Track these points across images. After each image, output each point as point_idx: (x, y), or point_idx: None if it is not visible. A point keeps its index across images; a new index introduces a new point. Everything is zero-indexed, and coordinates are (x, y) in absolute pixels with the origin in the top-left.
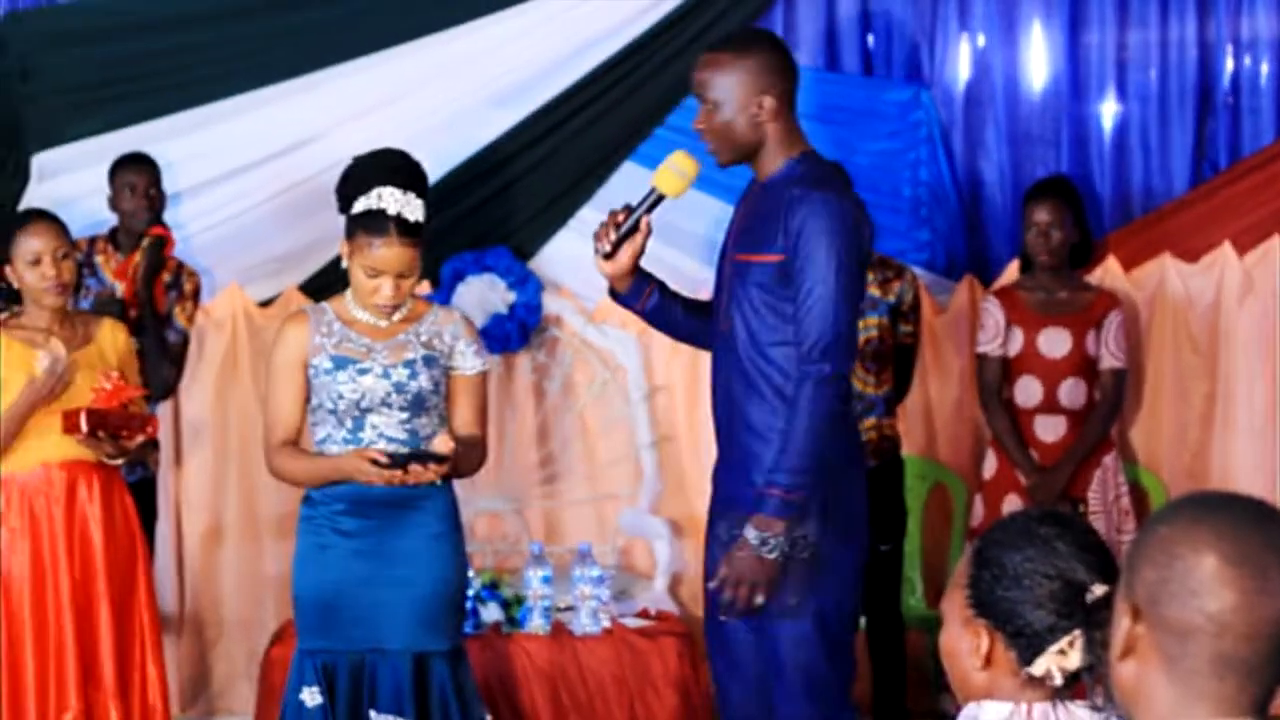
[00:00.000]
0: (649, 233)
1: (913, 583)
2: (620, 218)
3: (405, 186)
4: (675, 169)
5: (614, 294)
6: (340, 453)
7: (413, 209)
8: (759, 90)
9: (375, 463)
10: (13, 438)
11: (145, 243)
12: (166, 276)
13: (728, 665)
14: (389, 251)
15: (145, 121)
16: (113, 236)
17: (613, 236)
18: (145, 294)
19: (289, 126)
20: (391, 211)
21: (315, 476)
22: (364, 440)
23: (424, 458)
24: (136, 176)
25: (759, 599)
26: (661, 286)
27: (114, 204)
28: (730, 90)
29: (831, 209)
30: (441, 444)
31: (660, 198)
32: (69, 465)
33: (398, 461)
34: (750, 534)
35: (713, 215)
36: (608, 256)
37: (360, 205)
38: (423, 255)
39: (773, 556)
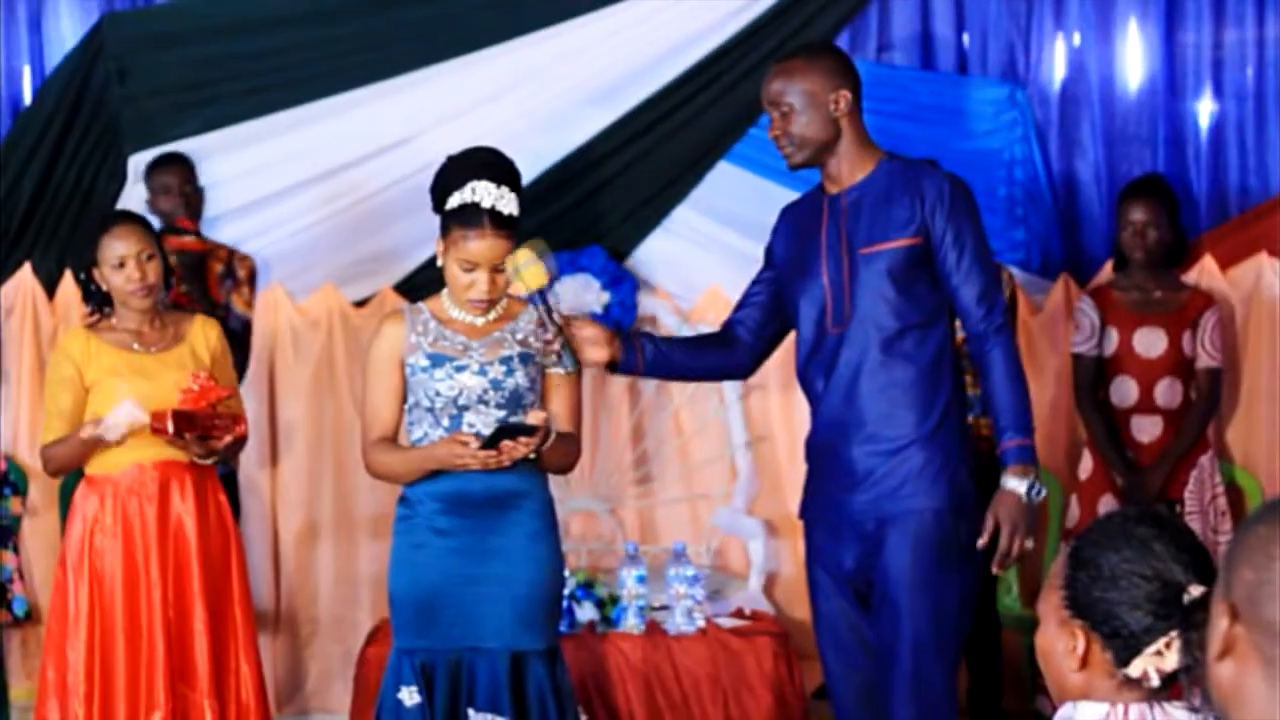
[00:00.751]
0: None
1: (1008, 583)
2: (550, 338)
3: (499, 180)
4: (526, 265)
5: (612, 368)
6: None
7: (506, 202)
8: (834, 87)
9: (467, 445)
10: (79, 462)
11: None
12: (219, 266)
13: (841, 660)
14: (483, 244)
15: (241, 122)
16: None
17: (557, 348)
18: (196, 291)
19: (385, 127)
20: (485, 205)
21: (411, 468)
22: None
23: (515, 431)
24: (170, 177)
25: (1030, 543)
26: (651, 338)
27: (152, 205)
28: (807, 90)
29: (959, 184)
30: (534, 416)
31: (541, 292)
32: (162, 465)
33: (490, 441)
34: (1012, 484)
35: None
36: (576, 366)
37: (454, 200)
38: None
39: (1040, 498)
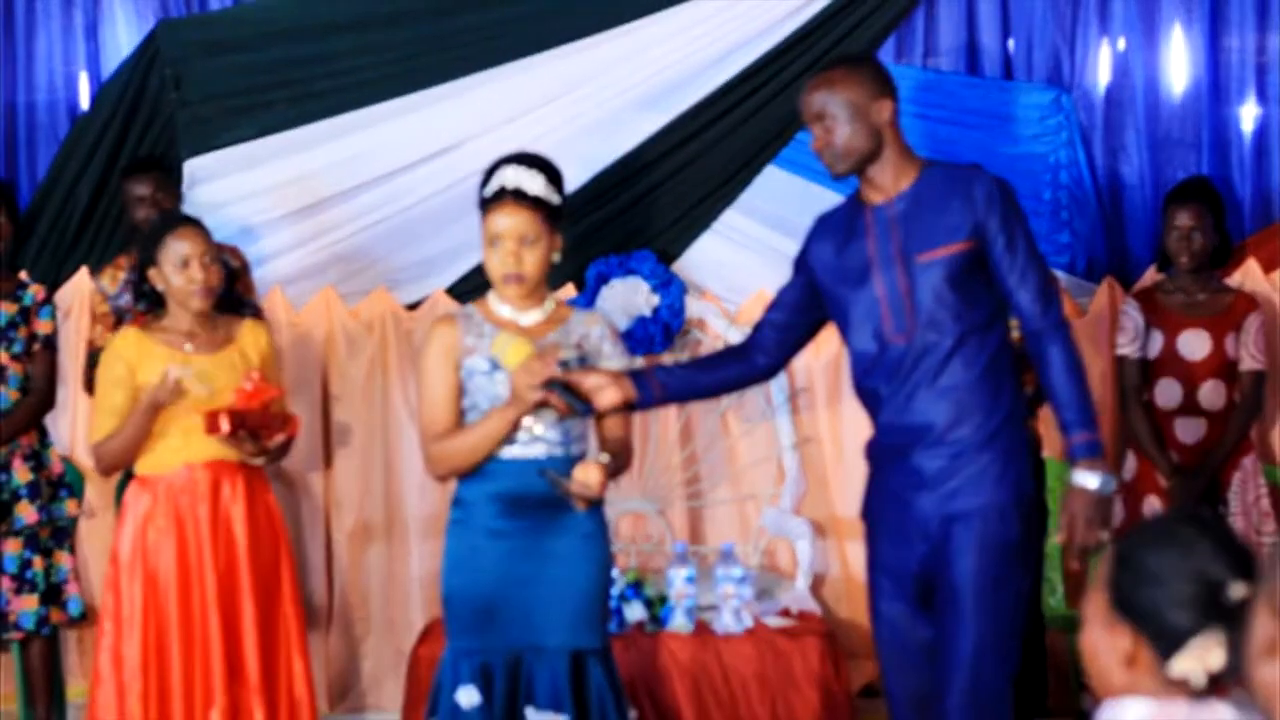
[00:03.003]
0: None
1: (1053, 583)
2: (554, 399)
3: (527, 165)
4: (508, 344)
5: (631, 406)
6: (495, 453)
7: (531, 183)
8: (875, 96)
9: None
10: (135, 447)
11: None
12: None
13: (898, 663)
14: (503, 216)
15: (295, 127)
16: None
17: (560, 403)
18: None
19: (437, 132)
20: (510, 185)
21: (483, 433)
22: (516, 440)
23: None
24: (144, 186)
25: (1105, 536)
26: (663, 367)
27: (131, 215)
28: (850, 100)
29: (1005, 185)
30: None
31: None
32: (213, 465)
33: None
34: (1083, 478)
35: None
36: (589, 410)
37: (485, 192)
38: (553, 239)
39: (1112, 490)
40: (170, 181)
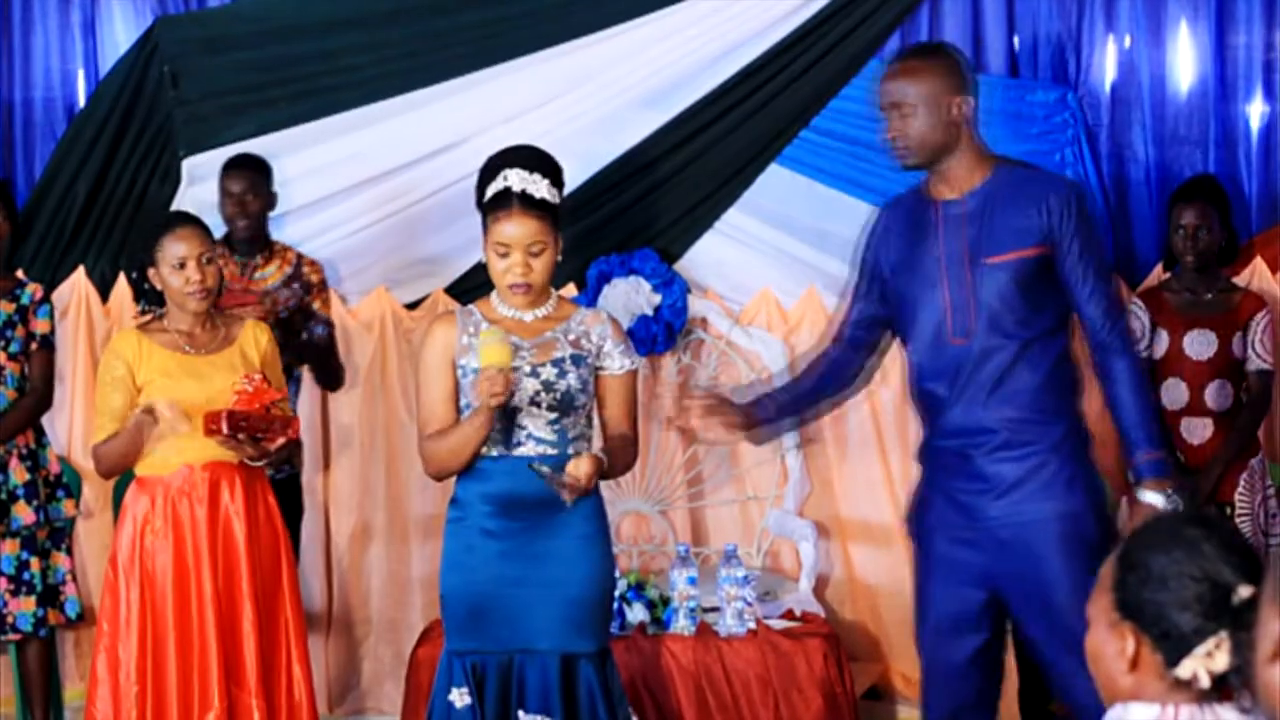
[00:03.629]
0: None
1: None
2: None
3: (530, 168)
4: (487, 341)
5: (757, 440)
6: (489, 452)
7: (537, 187)
8: (956, 90)
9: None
10: (133, 454)
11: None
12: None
13: (943, 671)
14: (512, 224)
15: (294, 126)
16: (227, 242)
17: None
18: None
19: (437, 131)
20: (516, 189)
21: (460, 437)
22: (512, 440)
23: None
24: (236, 184)
25: None
26: (770, 394)
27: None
28: (929, 92)
29: (1081, 192)
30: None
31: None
32: (211, 466)
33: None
34: (1150, 497)
35: (860, 219)
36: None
37: (489, 191)
38: (558, 242)
39: (1178, 510)
40: (264, 183)
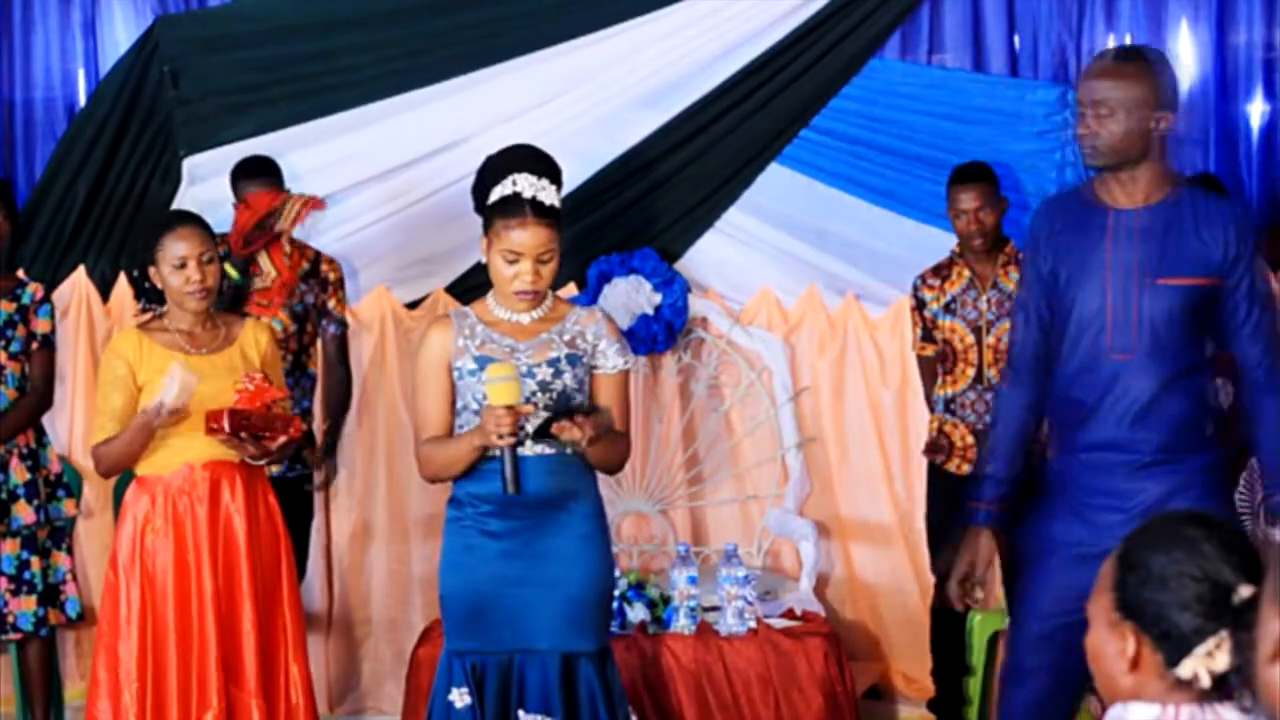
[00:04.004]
0: None
1: None
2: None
3: (538, 173)
4: (496, 380)
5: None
6: (489, 453)
7: (547, 194)
8: (1158, 105)
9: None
10: (134, 455)
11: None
12: (305, 264)
13: (1040, 679)
14: (525, 233)
15: (294, 125)
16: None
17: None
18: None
19: (438, 130)
20: (526, 195)
21: (457, 453)
22: (521, 441)
23: (563, 416)
24: (252, 186)
25: None
26: (999, 484)
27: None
28: (1131, 100)
29: (1251, 221)
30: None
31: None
32: (212, 465)
33: (540, 431)
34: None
35: (860, 218)
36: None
37: (496, 194)
38: (561, 247)
39: None
40: (280, 185)
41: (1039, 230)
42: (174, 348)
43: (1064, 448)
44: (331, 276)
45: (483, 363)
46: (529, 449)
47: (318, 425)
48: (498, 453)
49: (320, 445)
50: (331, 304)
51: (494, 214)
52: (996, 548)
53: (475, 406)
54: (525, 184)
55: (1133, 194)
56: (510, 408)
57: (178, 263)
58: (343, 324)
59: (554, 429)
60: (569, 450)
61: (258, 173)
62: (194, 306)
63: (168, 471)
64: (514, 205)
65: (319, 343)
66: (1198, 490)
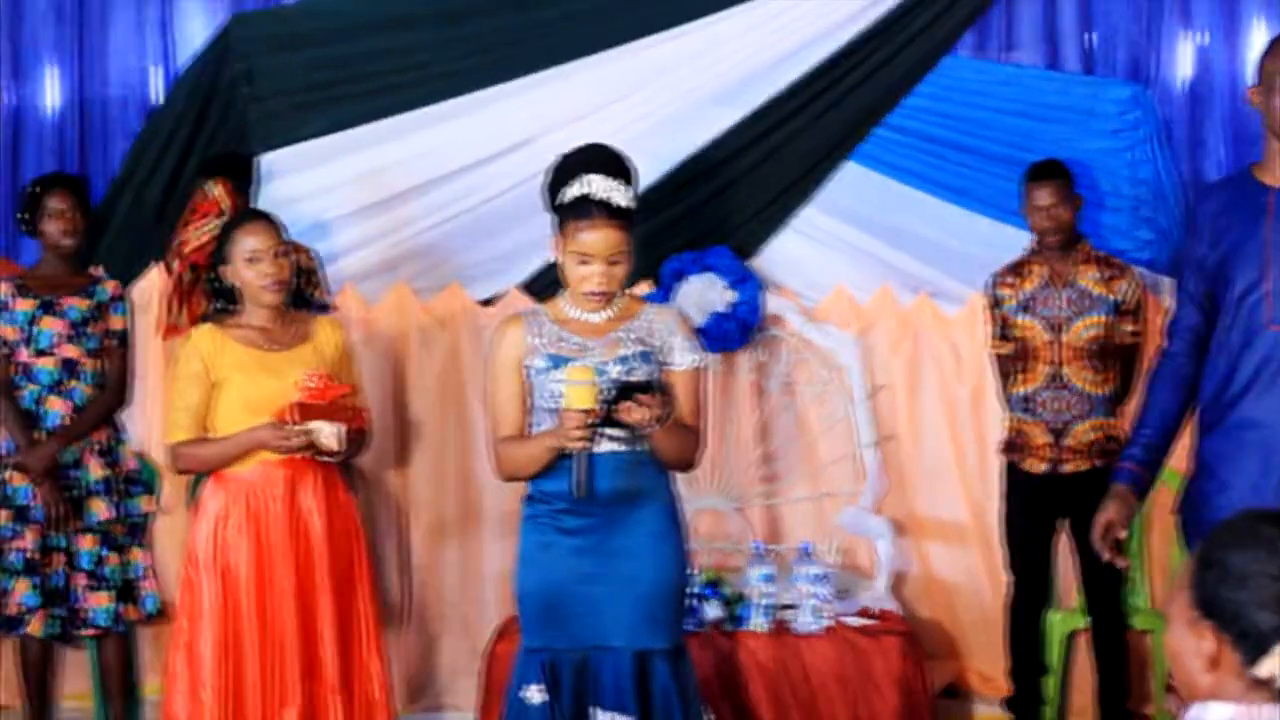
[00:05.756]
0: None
1: (1136, 582)
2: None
3: (611, 174)
4: (576, 384)
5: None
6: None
7: (619, 195)
8: None
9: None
10: (225, 465)
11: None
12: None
13: None
14: (597, 235)
15: (367, 122)
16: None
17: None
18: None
19: (510, 128)
20: (598, 196)
21: (534, 453)
22: (591, 439)
23: (634, 389)
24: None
25: None
26: (1144, 449)
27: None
28: None
29: None
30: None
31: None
32: (288, 462)
33: (613, 399)
34: None
35: (934, 216)
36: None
37: (567, 195)
38: (633, 247)
39: None
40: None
41: (1199, 214)
42: (250, 344)
43: (1213, 422)
44: (304, 263)
45: (554, 362)
46: (601, 446)
47: None
48: (572, 453)
49: None
50: (314, 292)
51: (565, 215)
52: (1131, 505)
53: (548, 404)
54: (597, 185)
55: None
56: (587, 411)
57: (251, 257)
58: (325, 308)
59: (620, 412)
60: (640, 448)
61: (221, 171)
62: (269, 300)
63: (244, 468)
64: (585, 207)
65: None
66: None
